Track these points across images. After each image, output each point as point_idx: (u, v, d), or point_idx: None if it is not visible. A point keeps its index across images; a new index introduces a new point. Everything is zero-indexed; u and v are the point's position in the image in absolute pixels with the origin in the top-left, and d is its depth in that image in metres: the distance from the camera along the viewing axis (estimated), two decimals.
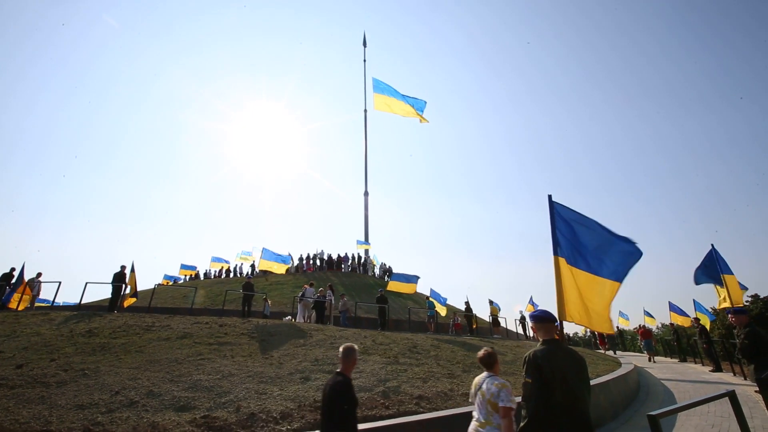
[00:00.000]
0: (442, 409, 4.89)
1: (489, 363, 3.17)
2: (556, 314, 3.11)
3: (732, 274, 7.26)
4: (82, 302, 13.08)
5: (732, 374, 11.74)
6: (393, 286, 16.94)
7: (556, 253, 3.67)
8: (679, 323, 19.35)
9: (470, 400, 3.25)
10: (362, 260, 29.20)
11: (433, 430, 4.17)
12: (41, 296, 16.48)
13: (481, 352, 3.20)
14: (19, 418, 4.00)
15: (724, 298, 7.64)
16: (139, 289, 15.32)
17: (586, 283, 3.71)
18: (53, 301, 13.20)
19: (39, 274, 13.68)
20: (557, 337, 2.89)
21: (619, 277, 3.69)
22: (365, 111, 37.07)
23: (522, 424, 2.44)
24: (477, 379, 3.17)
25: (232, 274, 30.42)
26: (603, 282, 3.65)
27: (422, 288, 30.79)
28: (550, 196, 4.05)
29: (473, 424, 2.99)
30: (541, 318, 2.84)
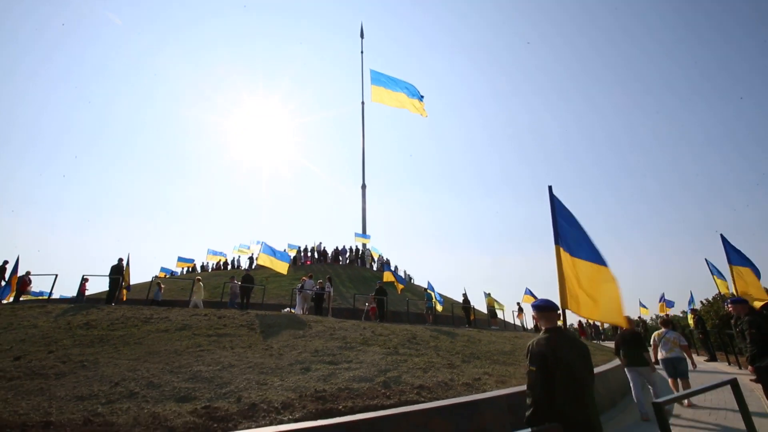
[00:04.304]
0: (443, 399, 4.90)
1: (667, 323, 6.97)
2: (558, 303, 3.10)
3: (745, 266, 7.20)
4: (78, 295, 13.04)
5: (727, 363, 11.89)
6: (386, 276, 17.60)
7: (556, 242, 3.66)
8: (663, 314, 20.25)
9: (651, 344, 6.75)
10: (360, 253, 29.21)
11: (435, 419, 4.17)
12: (35, 289, 16.46)
13: (662, 319, 7.36)
14: (19, 410, 3.97)
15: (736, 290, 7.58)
16: (137, 281, 15.33)
17: (587, 272, 3.70)
18: (50, 294, 13.11)
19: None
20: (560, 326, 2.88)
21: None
22: (362, 103, 36.79)
23: (528, 413, 2.43)
24: (659, 332, 6.78)
25: (230, 267, 30.39)
26: (605, 270, 3.65)
27: (421, 281, 30.95)
28: (550, 188, 4.03)
29: (662, 354, 6.55)
30: (543, 307, 2.82)
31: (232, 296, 14.77)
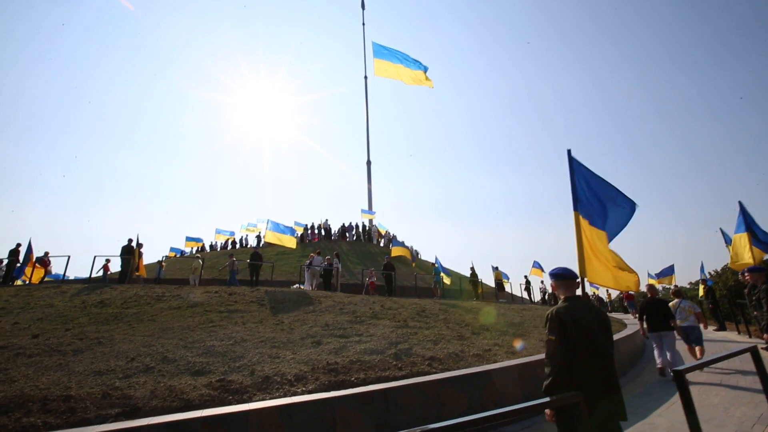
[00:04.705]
0: (455, 370, 4.93)
1: (679, 293, 7.22)
2: (577, 271, 3.01)
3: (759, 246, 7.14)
4: (92, 276, 13.28)
5: (737, 333, 11.88)
6: (396, 251, 17.64)
7: (575, 208, 3.52)
8: (666, 284, 20.59)
9: (672, 310, 6.61)
10: (367, 229, 29.28)
11: (447, 389, 4.20)
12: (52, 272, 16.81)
13: (673, 290, 7.88)
14: (39, 384, 4.05)
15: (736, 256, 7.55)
16: (145, 262, 15.61)
17: (600, 239, 3.61)
18: (64, 275, 13.35)
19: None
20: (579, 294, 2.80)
21: (609, 236, 3.74)
22: (365, 78, 35.99)
23: (547, 382, 2.38)
24: (673, 303, 6.85)
25: (237, 245, 30.69)
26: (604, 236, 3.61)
27: (428, 255, 31.08)
28: (569, 151, 3.85)
29: (678, 323, 6.56)
30: (562, 275, 2.71)
31: (231, 273, 15.01)
